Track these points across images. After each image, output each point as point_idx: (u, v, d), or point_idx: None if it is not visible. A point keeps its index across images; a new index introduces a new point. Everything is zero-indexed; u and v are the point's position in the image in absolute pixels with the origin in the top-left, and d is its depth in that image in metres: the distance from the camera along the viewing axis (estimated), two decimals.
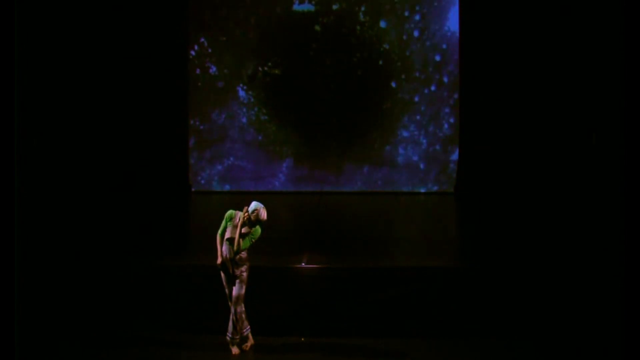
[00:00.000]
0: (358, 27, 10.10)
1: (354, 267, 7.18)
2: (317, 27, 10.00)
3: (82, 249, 7.38)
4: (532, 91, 8.47)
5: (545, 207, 7.84)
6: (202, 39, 9.88)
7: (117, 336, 6.67)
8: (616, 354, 5.60)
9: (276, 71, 9.94)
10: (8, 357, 5.22)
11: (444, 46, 10.02)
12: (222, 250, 6.01)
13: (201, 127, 9.87)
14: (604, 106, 6.91)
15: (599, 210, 6.85)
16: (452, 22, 9.96)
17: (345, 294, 6.43)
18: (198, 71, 9.89)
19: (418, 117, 10.09)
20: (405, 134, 10.12)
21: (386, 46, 10.09)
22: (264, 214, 5.93)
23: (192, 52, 9.74)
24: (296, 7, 10.03)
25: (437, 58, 10.07)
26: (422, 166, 10.09)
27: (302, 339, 6.38)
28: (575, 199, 7.41)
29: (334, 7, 10.02)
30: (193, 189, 9.85)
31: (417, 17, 10.12)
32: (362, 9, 10.06)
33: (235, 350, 6.08)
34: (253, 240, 5.94)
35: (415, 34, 10.08)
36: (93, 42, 8.12)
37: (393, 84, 10.12)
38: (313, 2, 9.94)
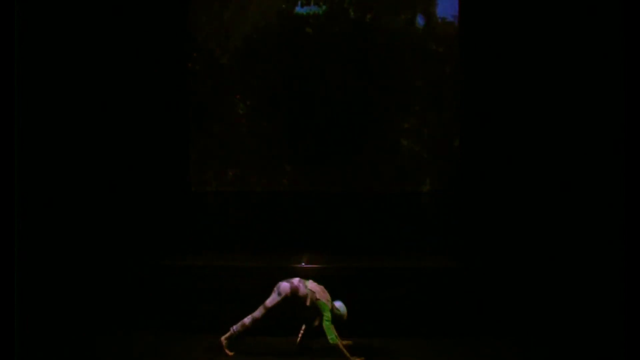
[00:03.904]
0: (352, 25, 10.06)
1: (354, 267, 7.19)
2: (309, 29, 9.98)
3: (82, 248, 7.37)
4: (534, 88, 8.42)
5: (546, 206, 7.83)
6: (196, 51, 9.87)
7: (117, 336, 6.67)
8: (616, 353, 5.60)
9: (272, 77, 9.91)
10: (8, 357, 5.22)
11: (444, 39, 9.96)
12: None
13: (199, 137, 9.86)
14: (606, 104, 6.90)
15: (600, 210, 6.85)
16: (451, 13, 9.87)
17: (346, 294, 6.43)
18: (194, 82, 9.88)
19: (417, 114, 10.05)
20: (404, 131, 10.09)
21: (382, 42, 10.04)
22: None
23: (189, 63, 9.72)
24: (299, 9, 10.01)
25: (437, 52, 10.02)
26: (422, 164, 10.07)
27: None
28: (576, 199, 7.40)
29: (324, 7, 9.99)
30: (193, 189, 9.83)
31: (414, 9, 10.06)
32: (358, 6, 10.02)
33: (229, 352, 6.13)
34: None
35: (413, 25, 10.03)
36: (97, 49, 8.10)
37: (392, 81, 10.08)
38: (320, 3, 9.92)
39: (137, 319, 6.96)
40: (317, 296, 6.03)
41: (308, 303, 6.00)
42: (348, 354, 5.88)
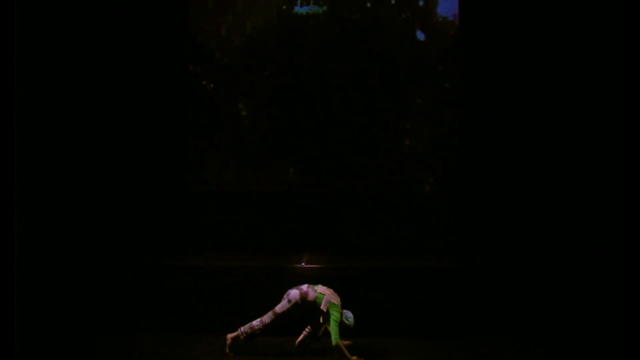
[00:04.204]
0: (352, 25, 10.05)
1: (354, 267, 7.19)
2: (309, 29, 9.96)
3: (82, 249, 7.37)
4: (535, 88, 8.41)
5: (546, 206, 7.83)
6: (196, 51, 9.86)
7: (117, 336, 6.67)
8: (616, 353, 5.60)
9: (273, 80, 9.90)
10: (8, 357, 5.22)
11: (444, 38, 9.94)
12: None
13: (200, 137, 9.86)
14: (606, 104, 6.89)
15: (600, 210, 6.85)
16: (452, 12, 9.84)
17: (346, 294, 6.44)
18: (194, 82, 9.87)
19: (418, 114, 10.05)
20: (405, 131, 10.09)
21: (383, 41, 10.03)
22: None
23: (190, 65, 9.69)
24: (298, 9, 10.00)
25: (437, 51, 10.00)
26: (423, 164, 10.07)
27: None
28: (576, 199, 7.40)
29: (324, 7, 9.97)
30: (193, 189, 9.82)
31: (415, 8, 10.02)
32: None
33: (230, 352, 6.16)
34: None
35: (414, 24, 10.00)
36: (97, 49, 8.09)
37: (392, 81, 10.08)
38: (320, 3, 9.90)
39: (138, 319, 6.96)
40: (328, 298, 6.07)
41: (324, 308, 6.03)
42: (348, 354, 5.90)
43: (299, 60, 10.12)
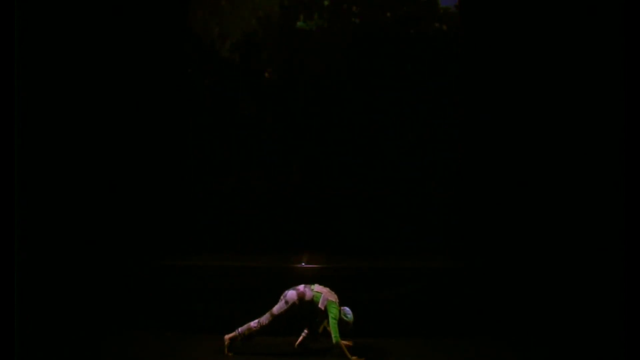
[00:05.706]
0: (350, 24, 10.04)
1: (354, 267, 7.19)
2: (310, 30, 9.95)
3: (82, 249, 7.37)
4: (535, 87, 8.40)
5: (546, 206, 7.82)
6: (196, 50, 9.85)
7: (116, 336, 6.68)
8: (616, 353, 5.60)
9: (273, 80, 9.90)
10: (8, 357, 5.23)
11: (445, 36, 9.92)
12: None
13: (200, 136, 9.84)
14: (606, 103, 6.88)
15: (600, 210, 6.84)
16: (453, 3, 9.83)
17: (346, 294, 6.44)
18: (194, 81, 9.86)
19: (418, 113, 10.04)
20: (405, 130, 10.08)
21: (383, 39, 10.02)
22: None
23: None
24: (300, 24, 9.99)
25: (438, 50, 9.98)
26: (423, 164, 10.06)
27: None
28: (576, 199, 7.39)
29: (325, 3, 9.95)
30: (193, 190, 9.82)
31: (416, 3, 10.01)
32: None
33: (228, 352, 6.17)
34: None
35: (414, 22, 9.99)
36: (98, 49, 8.09)
37: (392, 80, 10.07)
38: (324, 18, 9.89)
39: (137, 319, 6.96)
40: (326, 297, 6.06)
41: (322, 307, 6.02)
42: (348, 354, 5.90)
43: (298, 60, 10.12)
